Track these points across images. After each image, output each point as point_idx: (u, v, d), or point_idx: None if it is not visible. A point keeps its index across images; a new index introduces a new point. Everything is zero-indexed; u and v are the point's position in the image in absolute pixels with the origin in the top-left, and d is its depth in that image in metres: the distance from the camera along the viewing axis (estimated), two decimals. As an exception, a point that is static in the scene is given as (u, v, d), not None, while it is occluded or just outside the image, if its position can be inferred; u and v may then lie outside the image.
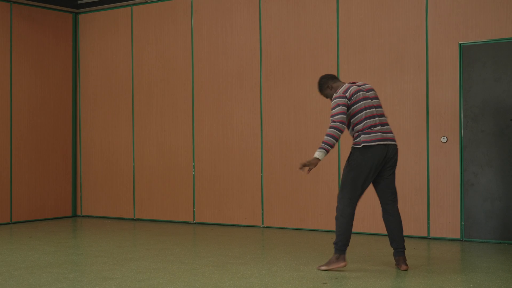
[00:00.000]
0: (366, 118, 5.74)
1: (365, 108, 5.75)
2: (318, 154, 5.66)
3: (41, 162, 9.91)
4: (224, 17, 9.05)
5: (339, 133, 5.66)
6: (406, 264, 5.80)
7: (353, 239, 7.66)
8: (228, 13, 9.01)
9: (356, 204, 5.80)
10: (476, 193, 7.34)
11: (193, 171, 9.29)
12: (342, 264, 5.75)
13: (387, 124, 5.85)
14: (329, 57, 8.26)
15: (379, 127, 5.75)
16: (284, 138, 8.56)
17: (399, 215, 5.85)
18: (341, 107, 5.70)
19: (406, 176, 7.75)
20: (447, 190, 7.52)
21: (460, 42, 7.43)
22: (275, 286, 5.16)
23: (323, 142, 5.67)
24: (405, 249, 5.85)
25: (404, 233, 7.70)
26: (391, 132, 5.85)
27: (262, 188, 8.74)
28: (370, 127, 5.73)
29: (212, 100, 9.14)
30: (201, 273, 5.67)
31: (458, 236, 7.46)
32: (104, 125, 10.15)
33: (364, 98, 5.78)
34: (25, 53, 9.73)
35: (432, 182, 7.61)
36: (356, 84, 5.89)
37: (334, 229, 8.18)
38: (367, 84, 5.96)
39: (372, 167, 5.71)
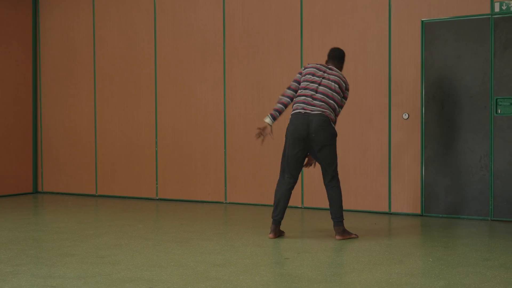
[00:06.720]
0: (301, 93, 6.05)
1: (307, 85, 6.04)
2: (266, 118, 6.11)
3: (0, 138, 9.74)
4: (187, -8, 8.96)
5: (281, 99, 6.11)
6: (340, 235, 6.08)
7: (318, 214, 7.72)
8: (191, -12, 8.92)
9: (288, 176, 6.10)
10: (437, 169, 7.45)
11: (156, 148, 9.24)
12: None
13: (320, 102, 5.95)
14: (293, 34, 8.25)
15: (304, 99, 5.99)
16: (248, 114, 8.55)
17: (335, 189, 6.09)
18: (292, 82, 6.19)
19: (368, 152, 7.81)
20: (408, 166, 7.61)
21: (422, 19, 7.48)
22: (237, 261, 5.18)
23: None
24: (339, 220, 6.09)
25: (366, 209, 7.82)
26: (318, 109, 5.95)
27: (225, 165, 8.74)
28: (298, 100, 6.04)
29: (175, 77, 9.07)
30: (164, 249, 5.66)
31: (419, 212, 7.57)
32: (66, 101, 10.00)
33: (313, 76, 6.05)
34: (-17, 27, 9.52)
35: (393, 158, 7.69)
36: (321, 64, 6.18)
37: (295, 205, 8.26)
38: (335, 74, 6.10)
39: (294, 136, 6.00)
